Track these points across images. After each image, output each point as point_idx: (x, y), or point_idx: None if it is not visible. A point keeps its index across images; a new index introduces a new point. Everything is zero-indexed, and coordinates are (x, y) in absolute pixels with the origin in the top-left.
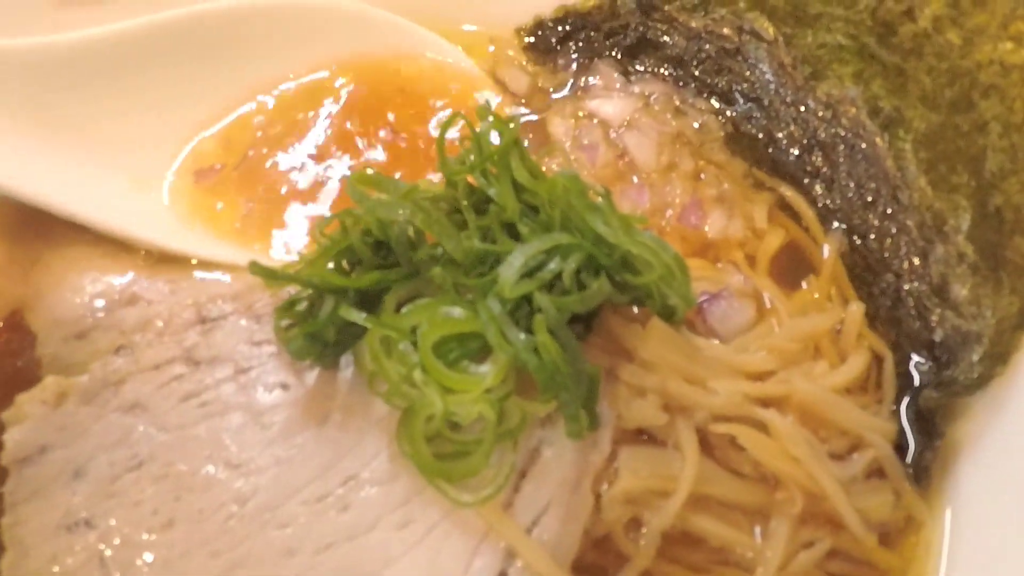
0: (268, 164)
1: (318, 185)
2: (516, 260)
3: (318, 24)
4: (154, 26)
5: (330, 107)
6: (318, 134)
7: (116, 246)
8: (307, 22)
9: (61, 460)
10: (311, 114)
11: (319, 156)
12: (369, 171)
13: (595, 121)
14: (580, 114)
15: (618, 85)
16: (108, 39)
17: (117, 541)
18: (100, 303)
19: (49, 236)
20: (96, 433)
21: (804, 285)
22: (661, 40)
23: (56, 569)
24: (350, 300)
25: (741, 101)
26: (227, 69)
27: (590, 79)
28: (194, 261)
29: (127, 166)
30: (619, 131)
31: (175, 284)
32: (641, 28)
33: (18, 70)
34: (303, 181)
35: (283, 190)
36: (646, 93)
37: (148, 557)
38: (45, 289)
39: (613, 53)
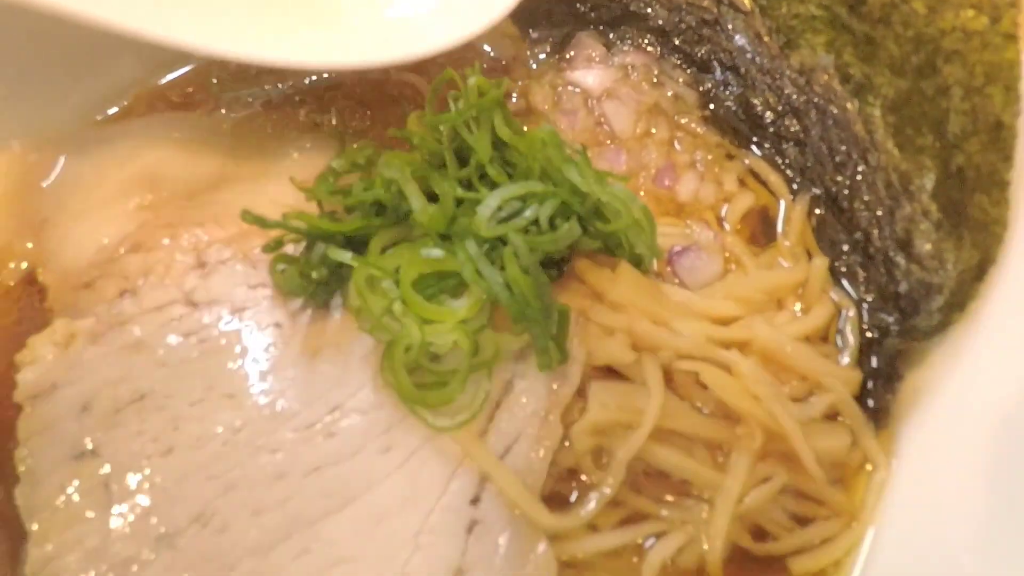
0: None
1: None
2: (492, 201)
3: None
4: None
5: None
6: None
7: (118, 199)
8: None
9: (70, 396)
10: None
11: None
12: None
13: (576, 90)
14: (559, 85)
15: (598, 57)
16: None
17: (120, 468)
18: (104, 255)
19: (55, 198)
20: (102, 370)
21: (773, 249)
22: (644, 12)
23: (64, 496)
24: (338, 244)
25: (719, 70)
26: None
27: (572, 51)
28: (197, 208)
29: None
30: (599, 100)
31: (174, 231)
32: (624, 0)
33: None
34: None
35: None
36: (626, 64)
37: (149, 481)
38: (54, 246)
39: (597, 25)
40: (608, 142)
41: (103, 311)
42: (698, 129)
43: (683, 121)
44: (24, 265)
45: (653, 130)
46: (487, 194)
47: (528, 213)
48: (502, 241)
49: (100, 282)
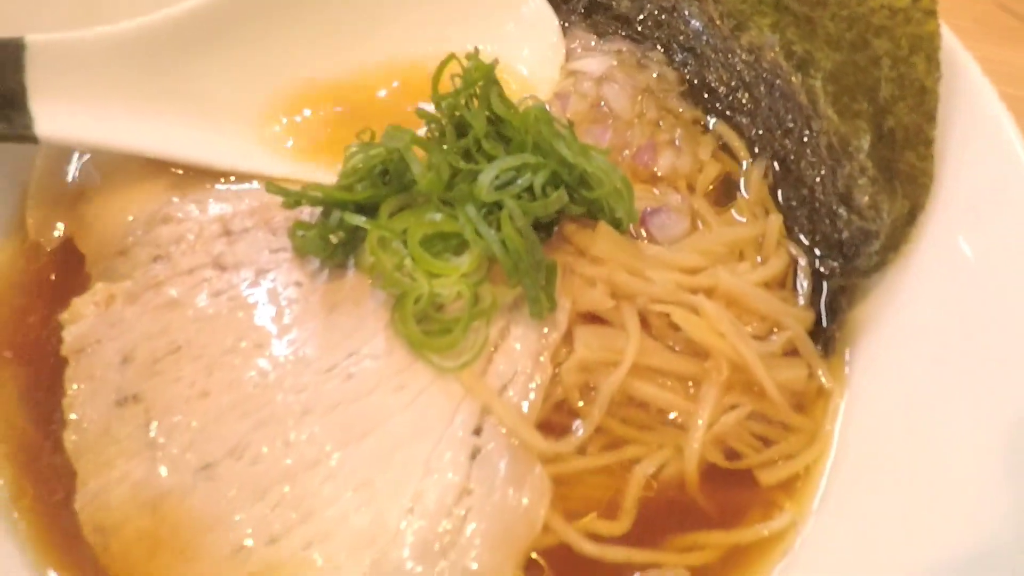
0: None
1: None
2: (492, 170)
3: None
4: None
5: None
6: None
7: (148, 177)
8: None
9: (111, 350)
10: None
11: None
12: None
13: (573, 77)
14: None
15: (593, 44)
16: (181, 17)
17: (160, 410)
18: (138, 225)
19: (88, 174)
20: (140, 326)
21: (733, 209)
22: (609, 2)
23: (109, 436)
24: (352, 211)
25: (678, 51)
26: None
27: (571, 43)
28: (231, 179)
29: (201, 111)
30: (599, 84)
31: (201, 204)
32: None
33: (99, 53)
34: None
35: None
36: (615, 50)
37: (187, 421)
38: (90, 218)
39: (572, 14)
40: (608, 122)
41: (139, 274)
42: (679, 108)
43: (667, 100)
44: (58, 233)
45: (644, 110)
46: (485, 165)
47: (521, 181)
48: (497, 206)
49: (135, 250)
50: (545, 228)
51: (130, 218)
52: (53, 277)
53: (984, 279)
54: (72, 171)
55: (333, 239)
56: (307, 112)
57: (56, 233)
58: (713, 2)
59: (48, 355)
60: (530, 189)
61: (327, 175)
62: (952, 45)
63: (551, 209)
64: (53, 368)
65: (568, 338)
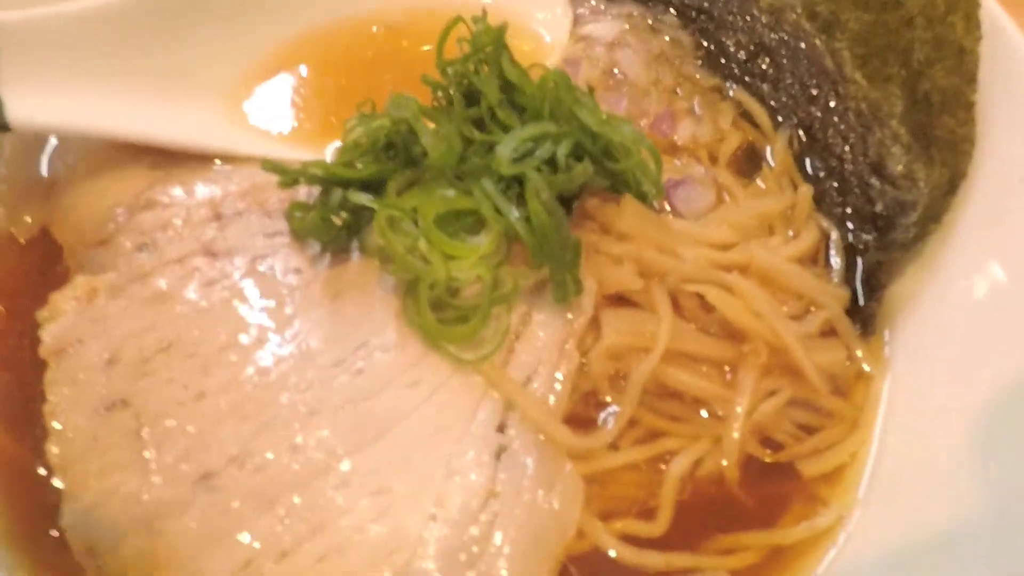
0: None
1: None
2: (511, 141)
3: None
4: None
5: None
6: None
7: (128, 160)
8: None
9: (95, 350)
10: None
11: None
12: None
13: (583, 42)
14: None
15: (603, 8)
16: None
17: (152, 416)
18: (119, 211)
19: (63, 158)
20: (126, 323)
21: (759, 179)
22: None
23: (98, 447)
24: (356, 189)
25: (694, 14)
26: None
27: (579, 8)
28: (218, 162)
29: (188, 88)
30: (611, 49)
31: (187, 187)
32: None
33: (71, 31)
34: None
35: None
36: (625, 13)
37: (182, 427)
38: (66, 206)
39: None
40: (624, 89)
41: (123, 265)
42: (696, 75)
43: (682, 66)
44: (28, 220)
45: (660, 76)
46: (500, 135)
47: (540, 152)
48: (516, 180)
49: (117, 238)
50: (565, 203)
51: (110, 204)
52: (29, 271)
53: None
54: (45, 156)
55: (336, 220)
56: (290, 80)
57: (30, 221)
58: None
59: (26, 357)
60: (551, 161)
61: (320, 151)
62: (991, 4)
63: (576, 182)
64: (32, 371)
65: (595, 323)
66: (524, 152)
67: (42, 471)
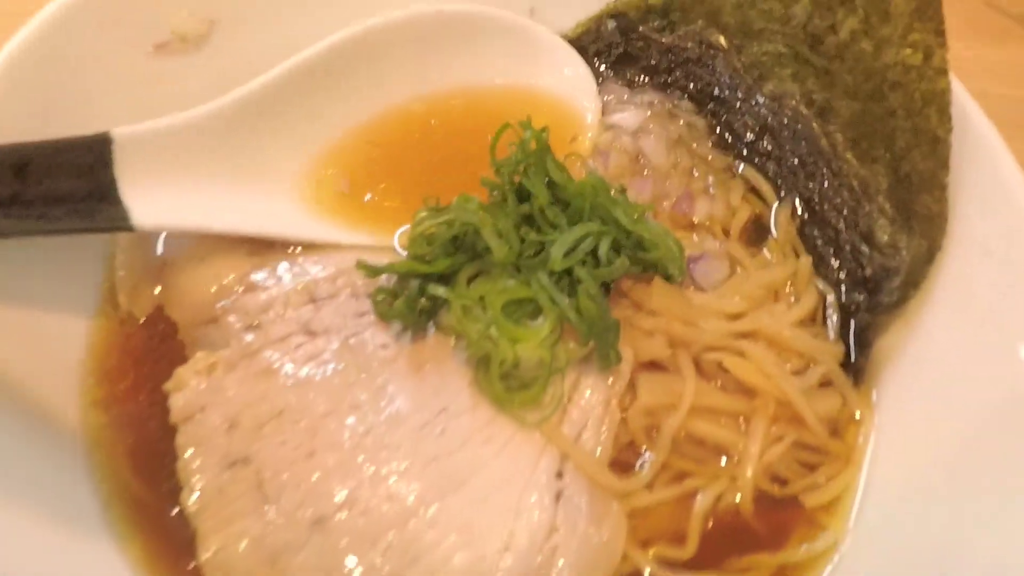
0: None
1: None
2: (563, 245)
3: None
4: (291, 70)
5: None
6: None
7: (227, 247)
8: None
9: (217, 416)
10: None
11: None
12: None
13: (611, 131)
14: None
15: (626, 97)
16: (250, 96)
17: (270, 472)
18: (224, 293)
19: (172, 244)
20: (242, 393)
21: (765, 248)
22: (639, 55)
23: (224, 497)
24: (432, 280)
25: (707, 100)
26: (349, 93)
27: (605, 96)
28: (298, 250)
29: (266, 180)
30: (636, 137)
31: (283, 272)
32: (622, 47)
33: (179, 138)
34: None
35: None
36: (646, 101)
37: (296, 480)
38: (177, 287)
39: (601, 67)
40: (645, 172)
41: (234, 343)
42: (709, 155)
43: (698, 148)
44: (149, 303)
45: (678, 159)
46: (550, 232)
47: (584, 246)
48: (566, 272)
49: (225, 318)
50: (604, 285)
51: (215, 287)
52: (148, 345)
53: (996, 315)
54: (157, 243)
55: (419, 306)
56: (358, 162)
57: (147, 303)
58: (737, 54)
59: (148, 420)
60: (593, 252)
61: (386, 235)
62: (962, 98)
63: (617, 275)
64: (155, 432)
65: (631, 385)
66: (571, 247)
67: (175, 514)
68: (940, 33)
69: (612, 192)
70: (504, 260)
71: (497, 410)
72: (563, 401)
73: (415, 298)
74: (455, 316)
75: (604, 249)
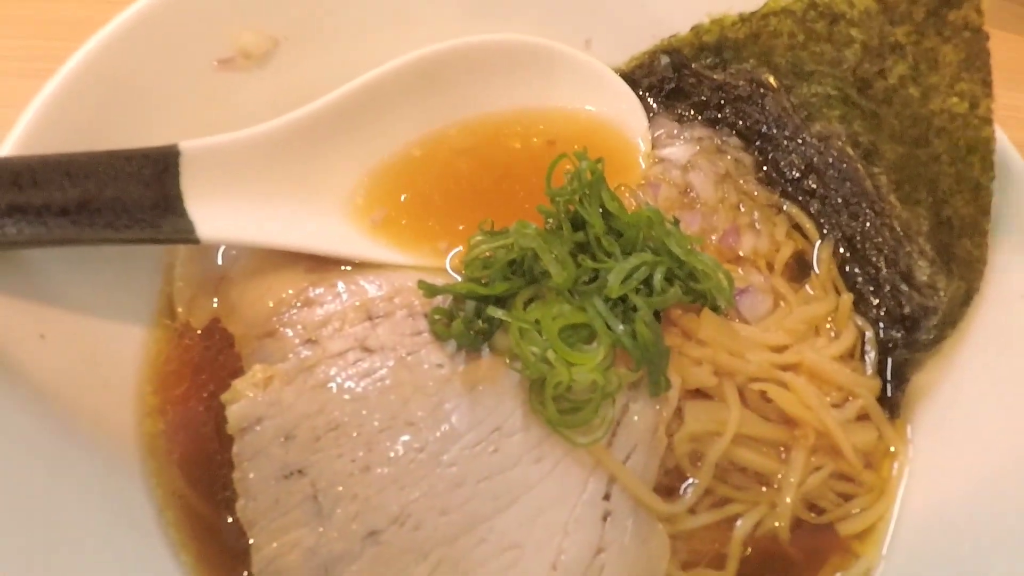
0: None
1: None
2: (619, 274)
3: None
4: (355, 91)
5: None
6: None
7: (286, 260)
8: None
9: (273, 428)
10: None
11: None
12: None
13: (661, 164)
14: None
15: (676, 132)
16: (313, 115)
17: (325, 484)
18: (282, 307)
19: (229, 257)
20: (299, 406)
21: (807, 284)
22: (691, 91)
23: (279, 507)
24: (490, 303)
25: (755, 137)
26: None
27: (656, 131)
28: (348, 267)
29: (324, 200)
30: (685, 171)
31: (339, 289)
32: (674, 82)
33: (243, 154)
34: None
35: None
36: (695, 136)
37: (351, 493)
38: (235, 300)
39: (652, 102)
40: (697, 207)
41: (292, 356)
42: (755, 191)
43: (744, 184)
44: (206, 315)
45: (725, 194)
46: (605, 260)
47: (638, 275)
48: (620, 298)
49: (281, 332)
50: (656, 313)
51: (273, 301)
52: (205, 356)
53: None
54: (215, 256)
55: (475, 328)
56: (409, 182)
57: (205, 314)
58: (786, 93)
59: (204, 429)
60: (646, 281)
61: (437, 256)
62: (1005, 147)
63: (669, 304)
64: (210, 441)
65: (678, 412)
66: (625, 277)
67: (230, 522)
68: (987, 83)
69: (666, 223)
70: (563, 285)
71: (548, 431)
72: (612, 424)
73: (472, 319)
74: (513, 338)
75: (658, 278)
